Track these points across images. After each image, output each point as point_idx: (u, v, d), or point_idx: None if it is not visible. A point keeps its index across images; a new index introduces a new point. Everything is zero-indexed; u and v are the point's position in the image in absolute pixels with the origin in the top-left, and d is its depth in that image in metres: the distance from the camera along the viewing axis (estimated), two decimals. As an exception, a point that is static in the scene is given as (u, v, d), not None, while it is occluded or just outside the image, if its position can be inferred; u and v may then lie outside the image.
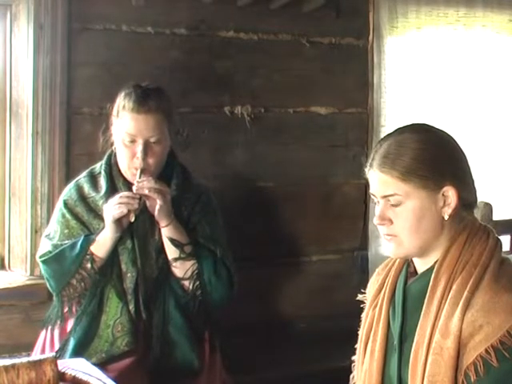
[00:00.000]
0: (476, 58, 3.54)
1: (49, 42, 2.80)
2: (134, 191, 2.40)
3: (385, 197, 1.68)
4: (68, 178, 2.76)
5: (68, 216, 2.50)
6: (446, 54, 3.48)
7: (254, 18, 3.17)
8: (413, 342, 1.66)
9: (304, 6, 3.21)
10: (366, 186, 3.15)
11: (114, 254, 2.46)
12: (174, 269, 2.49)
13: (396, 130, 1.76)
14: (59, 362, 1.87)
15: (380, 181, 1.68)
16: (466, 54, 3.52)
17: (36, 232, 2.84)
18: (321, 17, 3.26)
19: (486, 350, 1.55)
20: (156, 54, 3.00)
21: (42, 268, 2.52)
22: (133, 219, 2.40)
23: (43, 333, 2.55)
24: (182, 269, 2.49)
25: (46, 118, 2.83)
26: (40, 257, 2.51)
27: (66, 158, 2.88)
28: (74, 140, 2.89)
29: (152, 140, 2.44)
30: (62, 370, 1.83)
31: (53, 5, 2.80)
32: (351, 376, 1.95)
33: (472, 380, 1.56)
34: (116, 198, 2.39)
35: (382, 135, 3.23)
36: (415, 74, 3.42)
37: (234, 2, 3.11)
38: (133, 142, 2.44)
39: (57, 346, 2.48)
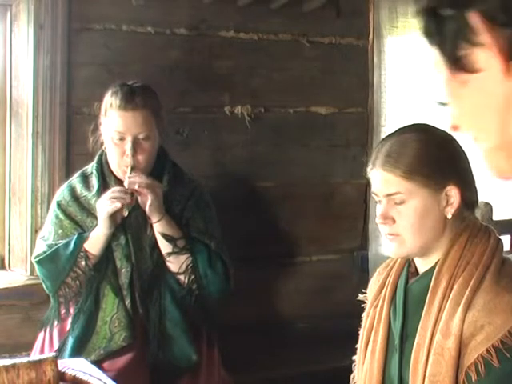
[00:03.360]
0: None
1: (49, 42, 2.80)
2: (126, 187, 2.41)
3: (388, 195, 1.68)
4: (68, 177, 2.76)
5: (61, 216, 2.51)
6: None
7: (254, 18, 3.17)
8: (414, 342, 1.66)
9: (304, 5, 3.21)
10: (367, 185, 3.15)
11: (108, 250, 2.48)
12: (168, 263, 2.50)
13: (398, 130, 1.76)
14: (59, 361, 1.87)
15: (383, 179, 1.68)
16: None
17: (36, 232, 2.84)
18: (321, 17, 3.26)
19: (487, 350, 1.55)
20: (156, 54, 3.00)
21: (37, 269, 2.54)
22: (126, 214, 2.42)
23: (41, 334, 2.56)
24: (176, 263, 2.50)
25: (46, 117, 2.83)
26: (35, 257, 2.52)
27: (65, 158, 2.88)
28: (73, 140, 2.89)
29: (140, 137, 2.45)
30: (62, 370, 1.83)
31: (53, 5, 2.79)
32: (351, 376, 1.95)
33: (473, 380, 1.56)
34: (108, 193, 2.41)
35: (382, 135, 3.23)
36: (415, 74, 3.42)
37: (234, 2, 3.11)
38: (122, 139, 2.45)
39: (55, 346, 2.49)
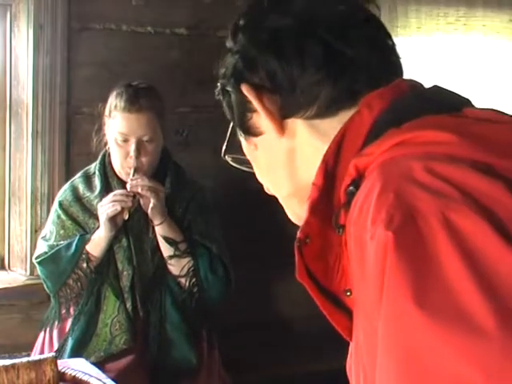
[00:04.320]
0: (476, 58, 3.55)
1: (49, 42, 2.80)
2: (128, 189, 2.41)
3: None
4: (68, 178, 2.76)
5: (63, 217, 2.51)
6: (446, 53, 3.48)
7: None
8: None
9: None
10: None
11: (109, 252, 2.47)
12: (169, 266, 2.50)
13: None
14: (59, 361, 1.87)
15: None
16: (467, 53, 3.53)
17: (36, 232, 2.84)
18: (321, 16, 3.25)
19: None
20: (156, 54, 3.00)
21: (38, 269, 2.54)
22: (127, 217, 2.42)
23: (42, 334, 2.55)
24: (177, 266, 2.50)
25: (46, 117, 2.83)
26: (36, 258, 2.52)
27: (65, 158, 2.88)
28: (74, 140, 2.89)
29: (145, 139, 2.45)
30: (62, 370, 1.83)
31: (53, 5, 2.79)
32: (352, 376, 1.95)
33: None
34: (110, 197, 2.41)
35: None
36: (415, 74, 3.42)
37: (234, 2, 3.10)
38: (125, 141, 2.44)
39: (56, 346, 2.49)
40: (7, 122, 2.89)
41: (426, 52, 3.44)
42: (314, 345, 3.20)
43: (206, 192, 2.66)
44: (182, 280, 2.51)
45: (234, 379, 2.69)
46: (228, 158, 1.10)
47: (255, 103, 0.94)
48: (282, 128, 0.95)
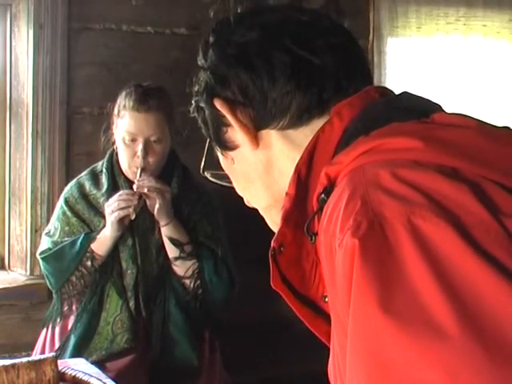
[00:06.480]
0: (476, 58, 3.55)
1: (49, 42, 2.80)
2: (135, 190, 2.41)
3: None
4: (68, 177, 2.76)
5: (68, 213, 2.51)
6: (446, 53, 3.48)
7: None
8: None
9: (304, 5, 3.21)
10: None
11: (114, 251, 2.47)
12: (174, 267, 2.50)
13: None
14: (59, 361, 1.87)
15: None
16: (467, 53, 3.52)
17: (36, 232, 2.84)
18: (321, 17, 3.25)
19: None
20: (156, 54, 3.00)
21: (41, 265, 2.54)
22: (133, 217, 2.41)
23: (43, 331, 2.55)
24: (182, 268, 2.50)
25: (46, 117, 2.83)
26: (40, 254, 2.52)
27: (65, 158, 2.88)
28: (73, 140, 2.89)
29: (152, 139, 2.45)
30: (62, 370, 1.83)
31: (53, 5, 2.80)
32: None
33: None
34: (116, 196, 2.41)
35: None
36: (416, 74, 3.42)
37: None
38: (133, 140, 2.44)
39: (57, 344, 2.49)
40: (7, 122, 2.89)
41: (426, 52, 3.44)
42: (314, 345, 3.19)
43: (212, 194, 2.65)
44: (187, 281, 2.51)
45: (234, 380, 2.69)
46: (207, 174, 1.12)
47: (229, 117, 0.96)
48: (256, 140, 0.96)
